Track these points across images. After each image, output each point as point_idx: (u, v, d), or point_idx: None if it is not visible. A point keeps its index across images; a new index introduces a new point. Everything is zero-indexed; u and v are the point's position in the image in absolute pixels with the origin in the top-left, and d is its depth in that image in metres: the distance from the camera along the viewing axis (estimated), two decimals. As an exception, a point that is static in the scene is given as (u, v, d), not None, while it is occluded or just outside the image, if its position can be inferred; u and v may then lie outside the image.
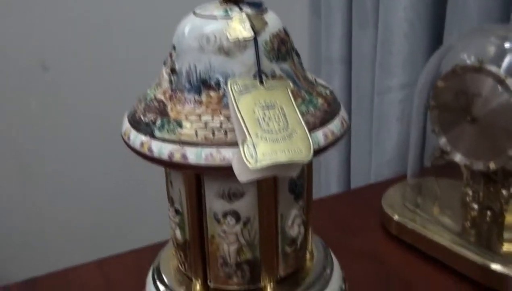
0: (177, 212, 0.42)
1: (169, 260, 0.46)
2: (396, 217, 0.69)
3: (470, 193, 0.66)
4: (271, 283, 0.42)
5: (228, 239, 0.40)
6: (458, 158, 0.63)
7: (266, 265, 0.41)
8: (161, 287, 0.44)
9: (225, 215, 0.40)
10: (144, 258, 0.51)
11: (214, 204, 0.40)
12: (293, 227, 0.42)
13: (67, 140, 1.13)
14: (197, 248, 0.41)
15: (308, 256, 0.46)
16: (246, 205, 0.40)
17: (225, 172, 0.35)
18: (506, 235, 0.62)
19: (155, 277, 0.45)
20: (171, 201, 0.43)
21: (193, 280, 0.43)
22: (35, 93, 1.08)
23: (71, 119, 1.10)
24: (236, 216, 0.40)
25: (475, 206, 0.65)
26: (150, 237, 0.63)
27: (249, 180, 0.34)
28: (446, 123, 0.64)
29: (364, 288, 0.60)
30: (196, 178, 0.39)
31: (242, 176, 0.34)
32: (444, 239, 0.63)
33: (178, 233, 0.43)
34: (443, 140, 0.65)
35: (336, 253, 0.48)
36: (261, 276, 0.42)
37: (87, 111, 1.09)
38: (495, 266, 0.58)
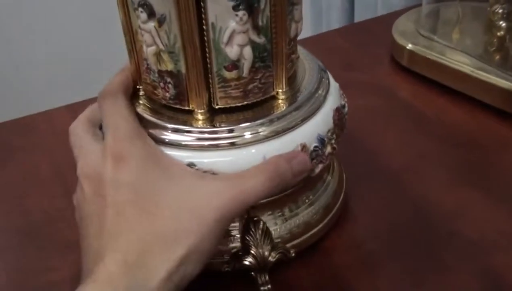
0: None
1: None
2: (409, 46, 0.60)
3: (499, 10, 0.56)
4: (202, 110, 0.34)
5: (144, 38, 0.32)
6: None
7: (192, 84, 0.33)
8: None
9: (138, 5, 0.31)
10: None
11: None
12: (231, 46, 0.32)
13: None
14: (128, 42, 0.34)
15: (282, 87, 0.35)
16: (159, -3, 0.31)
17: None
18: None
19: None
20: None
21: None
22: None
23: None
24: (149, 9, 0.31)
25: (503, 24, 0.55)
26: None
27: None
28: None
29: (374, 123, 0.53)
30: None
31: None
32: (464, 65, 0.54)
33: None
34: None
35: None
36: (189, 98, 0.34)
37: None
38: (524, 90, 0.50)
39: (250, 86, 0.34)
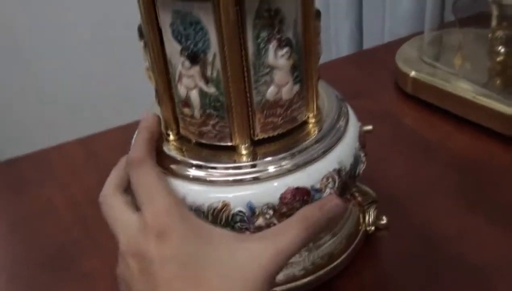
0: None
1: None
2: (412, 73, 0.61)
3: (501, 34, 0.57)
4: (171, 132, 0.36)
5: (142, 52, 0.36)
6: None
7: (161, 106, 0.36)
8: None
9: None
10: (131, 133, 0.44)
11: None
12: (180, 85, 0.33)
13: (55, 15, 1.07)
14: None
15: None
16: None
17: None
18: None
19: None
20: None
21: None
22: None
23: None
24: (140, 30, 0.34)
25: (502, 50, 0.56)
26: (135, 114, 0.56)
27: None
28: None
29: (379, 150, 0.54)
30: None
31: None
32: (467, 91, 0.55)
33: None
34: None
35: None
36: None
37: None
38: (526, 115, 0.50)
39: (204, 128, 0.34)
